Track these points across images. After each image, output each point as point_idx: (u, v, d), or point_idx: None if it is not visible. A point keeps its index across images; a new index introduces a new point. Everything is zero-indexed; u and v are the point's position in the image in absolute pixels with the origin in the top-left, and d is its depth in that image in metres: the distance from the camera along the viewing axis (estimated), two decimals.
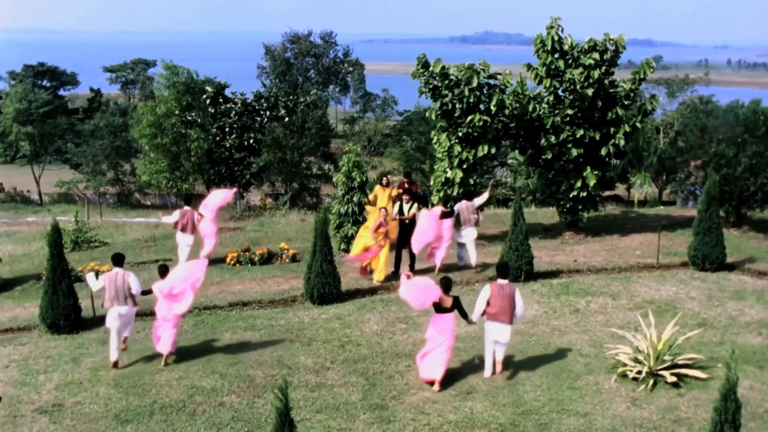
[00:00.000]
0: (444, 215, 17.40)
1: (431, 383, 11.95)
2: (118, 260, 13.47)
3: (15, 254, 23.87)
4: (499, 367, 12.39)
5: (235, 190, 21.75)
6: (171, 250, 20.01)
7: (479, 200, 18.35)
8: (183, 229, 18.66)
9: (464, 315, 12.22)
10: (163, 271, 13.37)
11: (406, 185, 18.97)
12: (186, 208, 18.76)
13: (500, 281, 12.22)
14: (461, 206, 17.89)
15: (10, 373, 13.02)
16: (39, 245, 24.14)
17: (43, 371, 13.05)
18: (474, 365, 12.74)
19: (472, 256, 17.97)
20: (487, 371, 12.36)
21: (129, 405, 11.56)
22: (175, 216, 18.72)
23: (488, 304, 12.08)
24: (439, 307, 11.98)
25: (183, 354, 13.53)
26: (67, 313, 14.79)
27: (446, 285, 12.02)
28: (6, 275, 20.02)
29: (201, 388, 12.10)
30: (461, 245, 18.16)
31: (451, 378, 12.20)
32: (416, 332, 14.16)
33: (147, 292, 13.42)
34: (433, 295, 11.91)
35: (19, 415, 11.40)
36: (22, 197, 62.24)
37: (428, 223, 17.13)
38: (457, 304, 12.01)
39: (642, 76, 20.76)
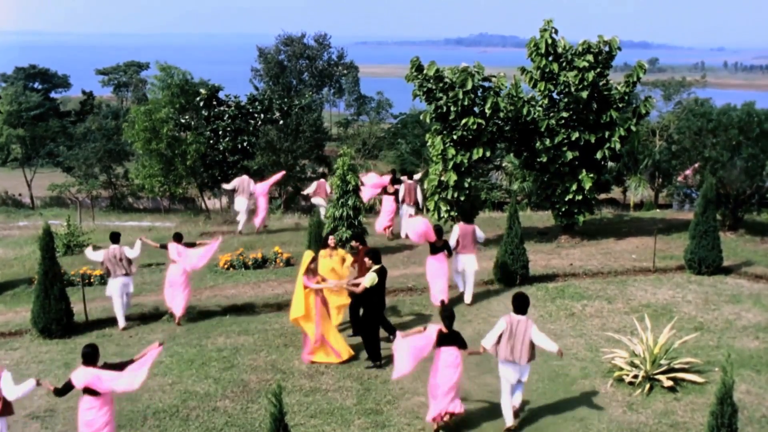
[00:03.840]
0: (393, 182, 22.06)
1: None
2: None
3: (6, 258, 23.72)
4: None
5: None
6: (164, 253, 19.83)
7: (417, 176, 22.82)
8: (110, 273, 15.39)
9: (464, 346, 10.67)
10: (88, 356, 9.76)
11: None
12: (113, 246, 15.48)
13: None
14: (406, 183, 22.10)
15: None
16: (31, 249, 23.97)
17: (35, 376, 12.88)
18: (469, 370, 12.65)
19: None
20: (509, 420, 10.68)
21: (122, 410, 11.43)
22: (99, 255, 15.52)
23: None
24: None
25: (176, 358, 13.43)
26: (59, 318, 14.69)
27: (448, 317, 10.60)
28: None
29: (194, 393, 12.00)
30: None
31: None
32: None
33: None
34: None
35: (10, 421, 11.27)
36: (14, 201, 61.85)
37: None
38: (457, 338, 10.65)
39: (635, 79, 20.74)
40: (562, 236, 21.61)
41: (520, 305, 10.53)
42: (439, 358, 10.49)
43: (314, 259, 13.16)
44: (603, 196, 46.53)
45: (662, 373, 11.85)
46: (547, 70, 20.49)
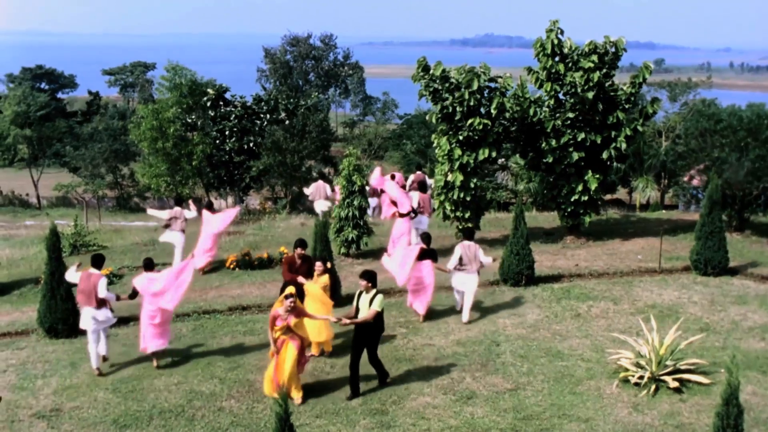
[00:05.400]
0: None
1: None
2: None
3: (13, 258, 23.77)
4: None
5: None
6: (170, 253, 19.94)
7: (430, 181, 23.37)
8: (169, 226, 19.57)
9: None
10: (148, 264, 13.50)
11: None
12: (177, 207, 19.71)
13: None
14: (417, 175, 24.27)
15: (8, 378, 12.94)
16: (37, 249, 24.05)
17: (41, 376, 12.97)
18: (475, 370, 12.65)
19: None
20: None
21: (128, 410, 11.48)
22: (165, 213, 19.84)
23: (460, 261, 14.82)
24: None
25: (182, 358, 13.46)
26: (65, 318, 14.72)
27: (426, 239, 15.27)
28: (4, 279, 19.95)
29: (200, 393, 12.02)
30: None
31: (451, 383, 12.14)
32: (416, 337, 14.09)
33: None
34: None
35: (16, 420, 11.32)
36: (20, 201, 62.11)
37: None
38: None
39: (641, 80, 20.69)
40: (568, 237, 21.58)
41: (470, 234, 15.36)
42: (418, 268, 14.69)
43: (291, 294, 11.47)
44: (609, 196, 46.49)
45: (668, 374, 11.82)
46: (554, 70, 20.47)
